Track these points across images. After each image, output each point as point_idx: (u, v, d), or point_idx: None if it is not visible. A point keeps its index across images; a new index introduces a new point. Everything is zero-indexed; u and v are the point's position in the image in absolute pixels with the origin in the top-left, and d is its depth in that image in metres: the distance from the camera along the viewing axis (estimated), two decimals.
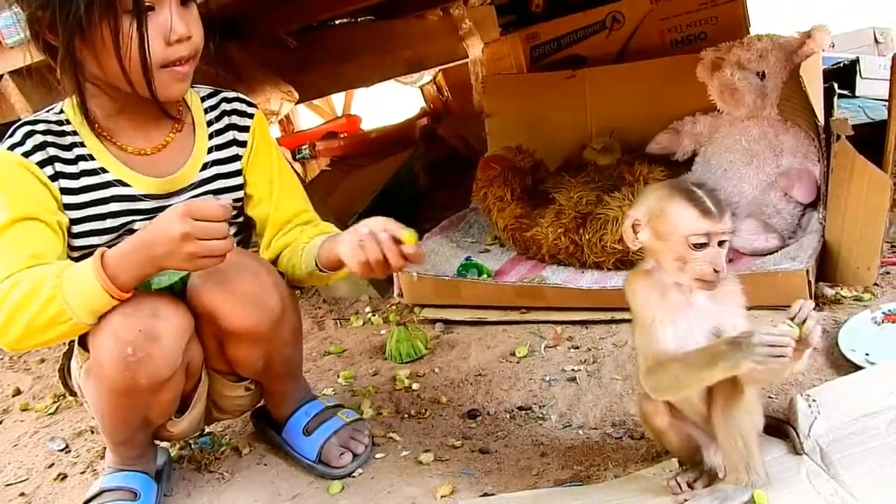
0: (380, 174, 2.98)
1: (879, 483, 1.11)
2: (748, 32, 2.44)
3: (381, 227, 1.26)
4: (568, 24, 2.68)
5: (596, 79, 2.50)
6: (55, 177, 1.30)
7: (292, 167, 2.73)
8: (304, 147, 3.87)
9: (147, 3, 1.19)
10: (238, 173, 1.46)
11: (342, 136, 4.18)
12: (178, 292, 1.33)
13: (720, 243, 1.11)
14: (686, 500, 1.17)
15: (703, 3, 2.47)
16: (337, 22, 3.27)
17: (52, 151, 1.30)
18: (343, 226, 2.36)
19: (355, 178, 3.13)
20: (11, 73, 1.97)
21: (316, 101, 4.62)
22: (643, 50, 2.55)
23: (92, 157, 1.33)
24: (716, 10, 2.46)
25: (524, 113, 2.61)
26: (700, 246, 1.10)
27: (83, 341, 1.30)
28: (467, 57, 4.08)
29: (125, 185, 1.34)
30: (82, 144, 1.33)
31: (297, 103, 3.20)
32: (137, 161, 1.35)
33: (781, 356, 1.02)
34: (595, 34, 2.64)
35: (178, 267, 1.21)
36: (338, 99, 4.91)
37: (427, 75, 4.27)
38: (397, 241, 1.24)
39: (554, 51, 2.72)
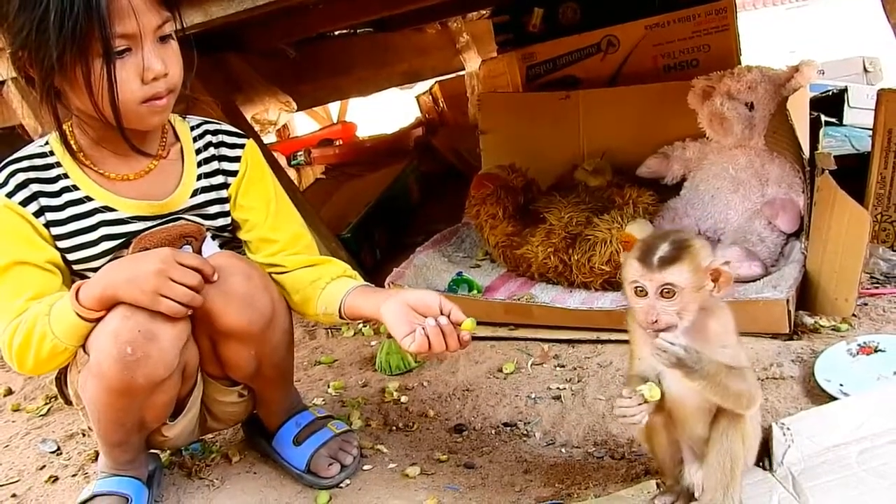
0: (374, 186, 3.01)
1: None
2: (739, 61, 2.50)
3: (436, 307, 1.31)
4: (564, 45, 2.72)
5: (589, 101, 2.54)
6: (40, 212, 1.35)
7: (287, 175, 2.78)
8: (299, 153, 3.89)
9: (124, 46, 1.23)
10: (226, 200, 1.50)
11: (337, 143, 4.22)
12: None
13: (664, 294, 1.12)
14: None
15: (695, 31, 2.52)
16: (336, 33, 3.31)
17: (35, 188, 1.35)
18: (336, 237, 2.43)
19: (349, 188, 3.16)
20: (14, 79, 2.01)
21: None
22: (636, 74, 2.59)
23: (76, 188, 1.37)
24: (708, 39, 2.51)
25: (518, 131, 2.65)
26: (640, 293, 1.14)
27: (83, 344, 1.34)
28: (464, 69, 4.14)
29: (111, 209, 1.38)
30: (66, 176, 1.37)
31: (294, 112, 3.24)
32: (121, 186, 1.40)
33: (634, 423, 1.16)
34: (590, 57, 2.68)
35: (136, 299, 1.26)
36: (334, 105, 4.94)
37: (423, 82, 4.32)
38: (456, 324, 1.29)
39: (549, 71, 2.76)
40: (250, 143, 1.53)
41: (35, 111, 1.93)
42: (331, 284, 1.47)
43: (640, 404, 1.15)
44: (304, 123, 5.24)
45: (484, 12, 3.87)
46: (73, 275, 1.41)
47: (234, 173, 1.50)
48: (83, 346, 1.33)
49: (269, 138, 4.12)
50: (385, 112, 5.91)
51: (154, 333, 1.28)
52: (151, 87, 1.27)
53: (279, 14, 2.28)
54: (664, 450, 1.28)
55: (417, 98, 4.27)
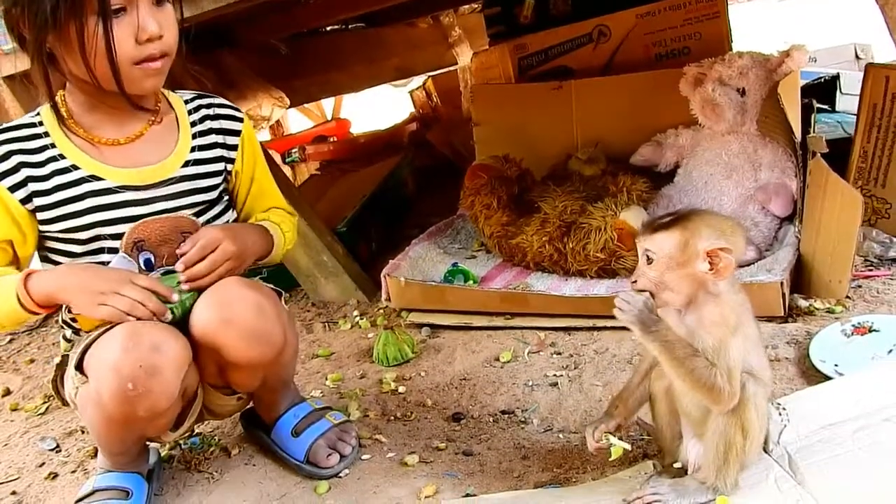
0: (368, 180, 3.02)
1: (842, 489, 1.17)
2: (730, 48, 2.50)
3: None
4: (555, 36, 2.72)
5: (582, 90, 2.55)
6: (24, 182, 1.32)
7: (282, 172, 2.78)
8: (293, 150, 3.90)
9: (119, 4, 1.21)
10: (221, 174, 1.49)
11: (331, 139, 4.22)
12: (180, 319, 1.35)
13: (648, 260, 1.18)
14: (649, 486, 1.23)
15: (686, 18, 2.52)
16: (328, 28, 3.31)
17: (18, 158, 1.32)
18: (332, 231, 2.43)
19: (344, 183, 3.16)
20: (5, 78, 2.01)
21: (306, 105, 4.65)
22: (628, 63, 2.59)
23: (62, 157, 1.35)
24: (699, 27, 2.51)
25: (511, 122, 2.65)
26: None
27: (80, 364, 1.33)
28: (456, 64, 4.14)
29: (98, 179, 1.36)
30: (53, 145, 1.35)
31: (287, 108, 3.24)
32: (110, 153, 1.37)
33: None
34: (582, 47, 2.68)
35: (79, 306, 1.28)
36: (327, 102, 4.95)
37: (416, 79, 4.32)
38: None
39: (541, 62, 2.76)
40: (246, 119, 1.54)
41: (26, 106, 1.93)
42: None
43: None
44: (298, 121, 5.24)
45: (475, 5, 3.87)
46: (43, 249, 1.40)
47: (234, 147, 1.50)
48: (79, 366, 1.32)
49: (263, 135, 4.12)
50: (379, 108, 5.91)
51: (156, 368, 1.25)
52: (145, 48, 1.26)
53: (270, 9, 2.29)
54: (664, 420, 1.29)
55: (411, 93, 4.27)
